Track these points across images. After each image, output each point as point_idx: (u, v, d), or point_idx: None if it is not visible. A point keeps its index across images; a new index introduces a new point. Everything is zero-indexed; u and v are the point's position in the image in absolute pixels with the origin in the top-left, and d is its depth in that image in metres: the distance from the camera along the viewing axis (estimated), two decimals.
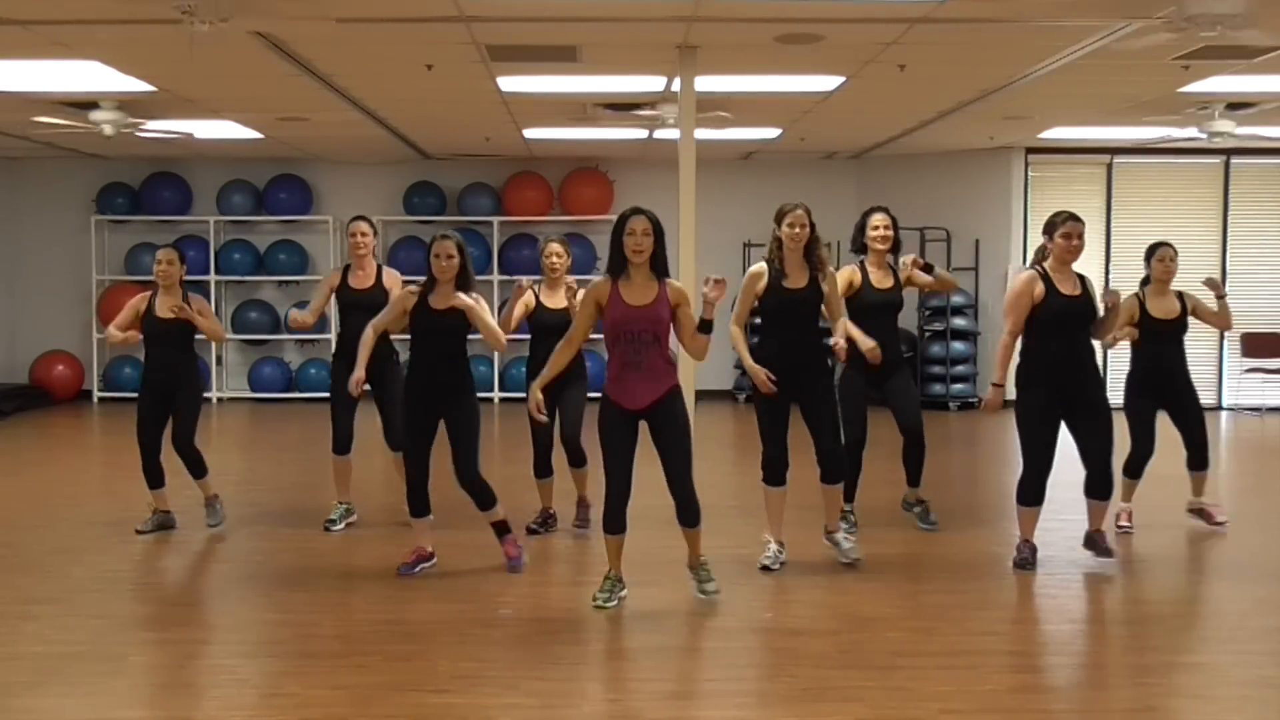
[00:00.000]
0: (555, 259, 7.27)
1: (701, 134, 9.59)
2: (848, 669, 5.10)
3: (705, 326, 5.71)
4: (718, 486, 8.81)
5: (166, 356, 7.46)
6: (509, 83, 9.56)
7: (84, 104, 10.30)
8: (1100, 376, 6.62)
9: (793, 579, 6.44)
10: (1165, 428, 7.56)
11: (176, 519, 7.63)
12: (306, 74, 9.02)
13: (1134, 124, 11.79)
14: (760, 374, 6.31)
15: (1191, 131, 11.31)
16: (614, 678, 5.24)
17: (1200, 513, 7.73)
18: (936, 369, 14.20)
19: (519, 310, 7.22)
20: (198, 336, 7.56)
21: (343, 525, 7.60)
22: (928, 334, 14.27)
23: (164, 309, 7.42)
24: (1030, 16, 7.37)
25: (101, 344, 14.87)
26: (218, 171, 14.96)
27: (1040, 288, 6.46)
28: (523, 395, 14.62)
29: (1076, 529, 6.87)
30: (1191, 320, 7.63)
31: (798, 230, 6.35)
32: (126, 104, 10.30)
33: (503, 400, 14.58)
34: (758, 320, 6.71)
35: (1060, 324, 6.45)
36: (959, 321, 14.17)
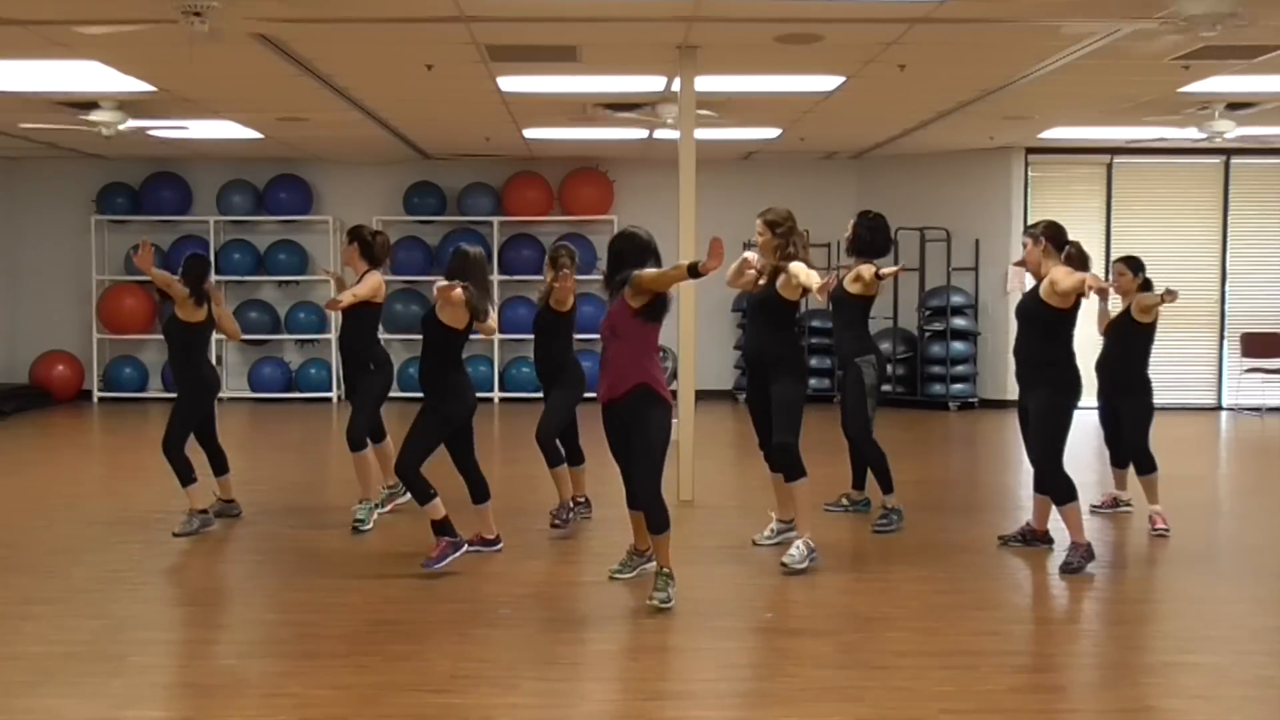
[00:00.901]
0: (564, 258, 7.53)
1: (701, 134, 9.59)
2: (848, 669, 5.10)
3: (692, 270, 5.57)
4: (718, 486, 8.82)
5: (193, 358, 7.68)
6: (509, 83, 9.56)
7: (84, 104, 10.31)
8: (1043, 382, 6.61)
9: (793, 579, 6.44)
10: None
11: (214, 518, 7.67)
12: (306, 74, 9.02)
13: (1134, 124, 11.78)
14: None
15: (1191, 131, 11.30)
16: (614, 678, 5.24)
17: (1149, 519, 7.60)
18: (936, 369, 14.19)
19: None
20: (216, 337, 7.68)
21: (369, 526, 7.58)
22: (928, 334, 14.27)
23: (189, 314, 7.59)
24: (1030, 16, 7.37)
25: (101, 344, 14.87)
26: (218, 171, 14.95)
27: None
28: (523, 395, 14.63)
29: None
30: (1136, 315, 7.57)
31: (756, 239, 6.70)
32: (126, 104, 10.30)
33: (503, 400, 14.57)
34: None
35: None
36: (959, 321, 14.16)
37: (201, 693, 4.97)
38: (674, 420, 6.07)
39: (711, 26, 7.69)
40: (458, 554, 6.48)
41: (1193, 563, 7.01)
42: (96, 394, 14.82)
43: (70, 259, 14.97)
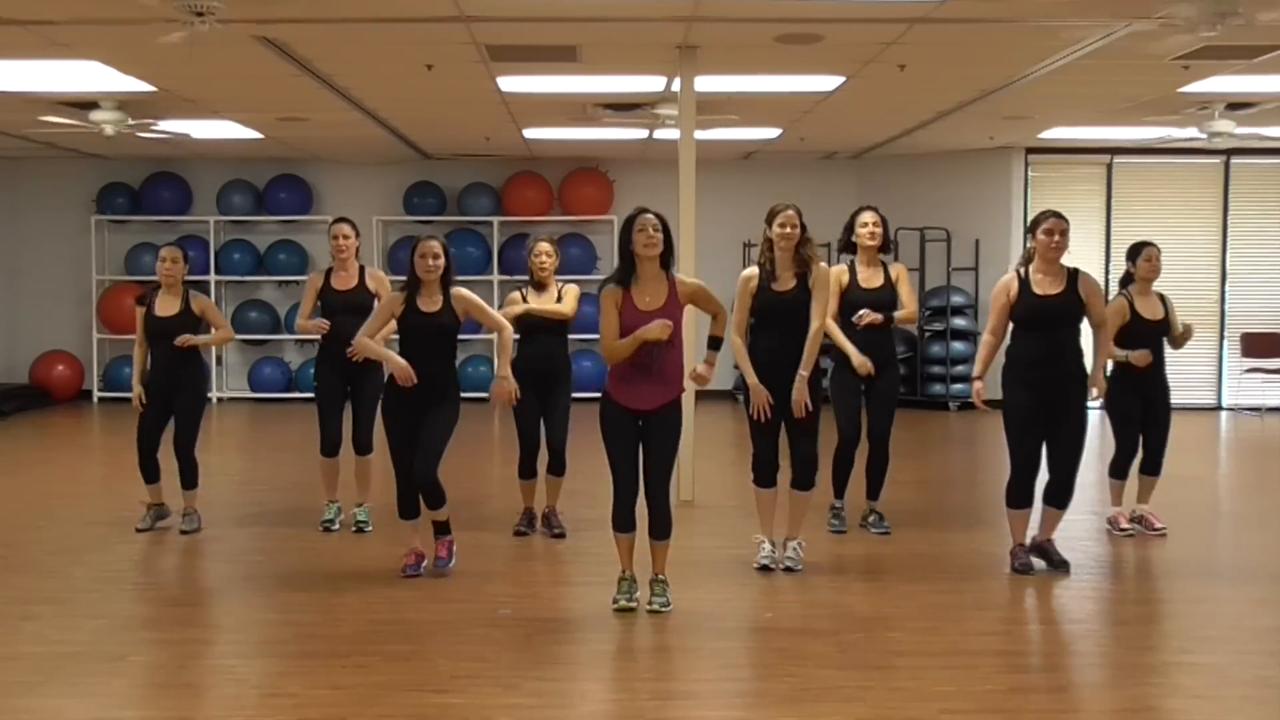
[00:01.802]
0: (545, 258, 7.29)
1: (701, 134, 9.59)
2: (848, 669, 5.10)
3: (714, 343, 5.82)
4: (718, 486, 8.82)
5: (167, 357, 7.46)
6: (509, 83, 9.57)
7: (84, 104, 10.31)
8: (1084, 385, 6.46)
9: (793, 579, 6.44)
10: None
11: (170, 509, 7.63)
12: (306, 74, 9.02)
13: (1134, 124, 11.79)
14: (762, 397, 6.29)
15: (1191, 131, 11.31)
16: (614, 678, 5.24)
17: (1140, 520, 7.53)
18: (936, 369, 14.18)
19: (517, 310, 7.21)
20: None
21: (338, 525, 7.59)
22: (928, 334, 14.27)
23: (165, 308, 7.44)
24: (1030, 16, 7.37)
25: (101, 344, 14.88)
26: (218, 171, 14.96)
27: (1015, 288, 6.49)
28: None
29: (1074, 529, 6.87)
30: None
31: (789, 230, 6.34)
32: (126, 104, 10.30)
33: None
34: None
35: (1033, 324, 6.44)
36: (959, 321, 14.16)
37: (201, 693, 4.97)
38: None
39: (711, 26, 7.69)
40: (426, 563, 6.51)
41: (1192, 563, 7.00)
42: (96, 394, 14.84)
43: (70, 259, 14.99)
